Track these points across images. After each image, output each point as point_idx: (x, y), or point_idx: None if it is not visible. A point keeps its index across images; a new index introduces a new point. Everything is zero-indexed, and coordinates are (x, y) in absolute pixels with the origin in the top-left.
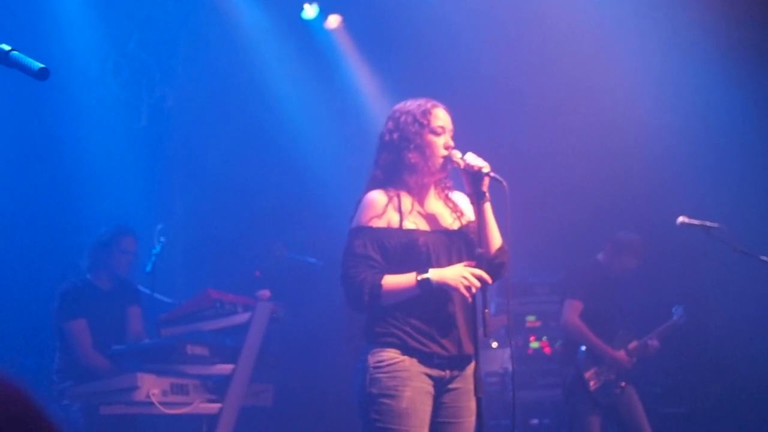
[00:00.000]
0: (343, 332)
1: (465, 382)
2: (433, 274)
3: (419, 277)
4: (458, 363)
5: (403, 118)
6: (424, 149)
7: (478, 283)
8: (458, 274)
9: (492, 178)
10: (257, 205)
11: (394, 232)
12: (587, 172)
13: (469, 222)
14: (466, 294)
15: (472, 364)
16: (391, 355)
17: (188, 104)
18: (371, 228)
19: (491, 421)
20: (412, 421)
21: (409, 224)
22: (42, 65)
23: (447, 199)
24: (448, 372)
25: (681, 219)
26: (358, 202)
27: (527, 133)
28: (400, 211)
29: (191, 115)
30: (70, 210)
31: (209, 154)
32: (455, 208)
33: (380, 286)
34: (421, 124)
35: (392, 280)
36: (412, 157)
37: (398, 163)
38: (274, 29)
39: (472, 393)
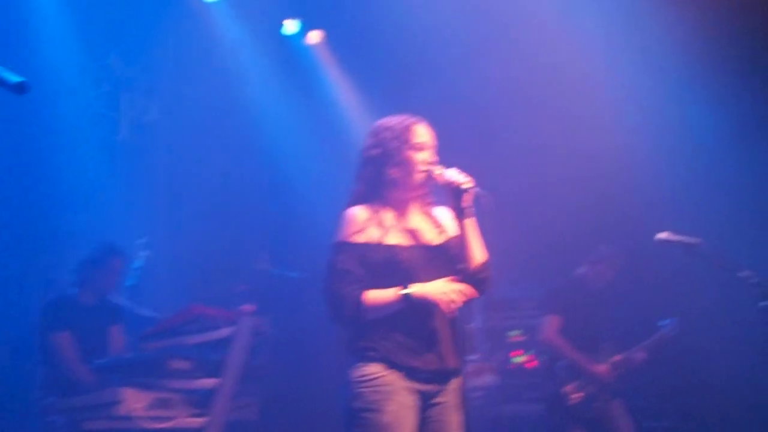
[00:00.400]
0: (328, 346)
1: (448, 396)
2: (415, 289)
3: (401, 292)
4: (442, 377)
5: (384, 134)
6: (405, 165)
7: (459, 299)
8: (440, 290)
9: (474, 194)
10: (241, 219)
11: (374, 247)
12: (573, 187)
13: (452, 237)
14: (447, 309)
15: (456, 379)
16: (374, 369)
17: (170, 118)
18: (352, 243)
19: None
20: None
21: (390, 239)
22: (21, 79)
23: (428, 215)
24: (432, 386)
25: (660, 235)
26: (339, 218)
27: (511, 149)
28: (381, 226)
29: (173, 128)
30: (50, 223)
31: (192, 167)
32: (437, 224)
33: (362, 301)
34: (402, 140)
35: (374, 295)
36: (393, 172)
37: (380, 178)
38: (255, 44)
39: (457, 407)
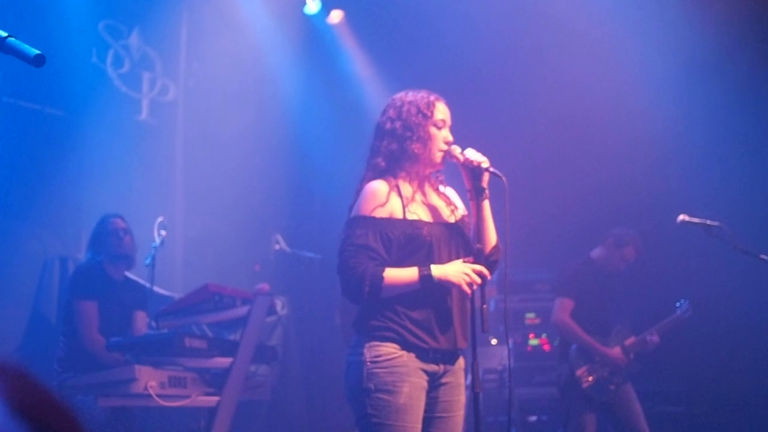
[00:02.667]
0: (340, 326)
1: (455, 376)
2: (435, 269)
3: (422, 273)
4: (451, 358)
5: (406, 108)
6: (427, 141)
7: (479, 280)
8: (460, 271)
9: (491, 174)
10: (258, 199)
11: (397, 223)
12: (588, 169)
13: (463, 216)
14: (468, 290)
15: (461, 359)
16: (389, 350)
17: (189, 98)
18: (373, 218)
19: (489, 417)
20: (409, 417)
21: (411, 214)
22: (38, 51)
23: (440, 193)
24: (441, 366)
25: (681, 217)
26: (357, 191)
27: (528, 129)
28: (402, 200)
29: (192, 108)
30: (69, 203)
31: (210, 147)
32: (449, 202)
33: (381, 278)
34: (425, 116)
35: (394, 274)
36: (416, 147)
37: (401, 152)
38: (276, 24)
39: (462, 387)
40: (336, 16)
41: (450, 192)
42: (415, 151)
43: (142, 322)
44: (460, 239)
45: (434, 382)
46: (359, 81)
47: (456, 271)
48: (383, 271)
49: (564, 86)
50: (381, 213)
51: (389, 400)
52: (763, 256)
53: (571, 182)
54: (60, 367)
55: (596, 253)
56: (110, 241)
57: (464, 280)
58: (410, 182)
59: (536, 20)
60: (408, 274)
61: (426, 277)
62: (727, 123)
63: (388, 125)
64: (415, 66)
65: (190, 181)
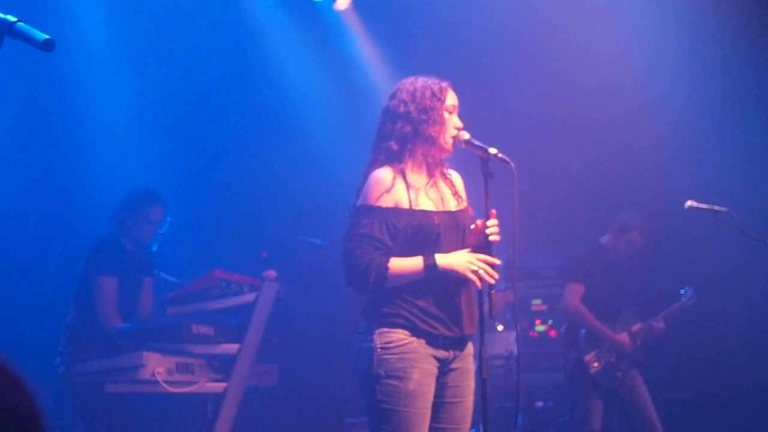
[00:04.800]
0: (347, 313)
1: (464, 361)
2: (440, 259)
3: (426, 262)
4: (460, 343)
5: (420, 92)
6: (441, 125)
7: (485, 267)
8: (465, 260)
9: (500, 160)
10: (264, 184)
11: (404, 212)
12: (595, 155)
13: (467, 207)
14: (475, 279)
15: (470, 344)
16: (399, 336)
17: (195, 83)
18: (379, 207)
19: (495, 403)
20: (419, 403)
21: (419, 204)
22: (47, 36)
23: (447, 179)
24: (451, 352)
25: (689, 203)
26: (364, 175)
27: (536, 116)
28: (408, 190)
29: (197, 94)
30: (75, 186)
31: (216, 133)
32: (454, 189)
33: (387, 268)
34: (440, 99)
35: (399, 264)
36: (432, 130)
37: (414, 134)
38: (282, 9)
39: (471, 372)
40: (343, 2)
41: (456, 178)
42: (432, 134)
43: (147, 290)
44: (466, 227)
45: (444, 368)
46: (367, 68)
47: (461, 260)
48: (388, 261)
49: (572, 71)
50: (387, 202)
51: (399, 386)
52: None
53: (578, 168)
54: (67, 338)
55: (605, 239)
56: (143, 229)
57: (469, 269)
58: (419, 167)
59: (544, 10)
60: (413, 263)
61: (431, 267)
62: (734, 109)
63: (402, 108)
64: (423, 53)
65: (196, 166)
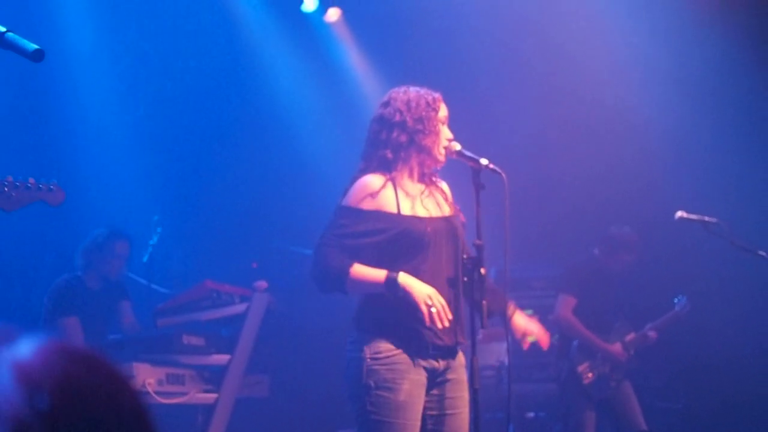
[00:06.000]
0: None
1: (457, 372)
2: (403, 278)
3: (389, 276)
4: (451, 353)
5: (414, 102)
6: (435, 136)
7: (440, 311)
8: (426, 293)
9: (491, 170)
10: (255, 195)
11: (388, 216)
12: (585, 166)
13: (457, 211)
14: (425, 314)
15: (461, 354)
16: (388, 346)
17: (186, 93)
18: (359, 209)
19: (486, 414)
20: (408, 414)
21: (411, 210)
22: (37, 47)
23: (438, 187)
24: (441, 363)
25: (679, 214)
26: (353, 180)
27: (525, 126)
28: (398, 196)
29: (189, 104)
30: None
31: (207, 143)
32: (445, 196)
33: (348, 273)
34: (434, 110)
35: (361, 271)
36: (427, 140)
37: (409, 144)
38: (273, 21)
39: (465, 383)
40: (333, 14)
41: (445, 186)
42: (427, 144)
43: (127, 311)
44: (458, 233)
45: (436, 379)
46: (356, 79)
47: (422, 290)
48: (351, 266)
49: (562, 82)
50: (369, 205)
51: (389, 397)
52: (761, 253)
53: (569, 179)
54: None
55: (597, 250)
56: (111, 264)
57: (425, 302)
58: (411, 176)
59: (535, 23)
60: (375, 274)
61: (392, 281)
62: (725, 119)
63: (398, 117)
64: (413, 64)
65: (188, 177)
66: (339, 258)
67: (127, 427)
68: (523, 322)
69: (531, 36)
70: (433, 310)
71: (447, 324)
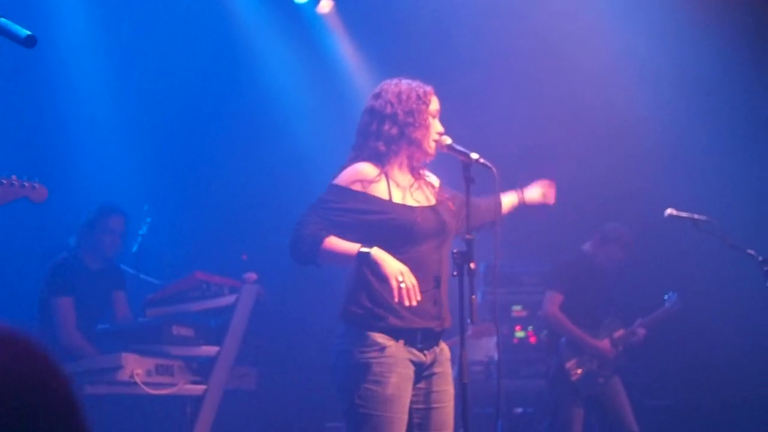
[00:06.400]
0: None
1: (443, 366)
2: (375, 251)
3: (361, 249)
4: (437, 342)
5: (405, 94)
6: (426, 129)
7: (410, 288)
8: (398, 268)
9: (482, 165)
10: (246, 187)
11: (378, 201)
12: (578, 163)
13: (445, 200)
14: (395, 288)
15: (447, 349)
16: (377, 339)
17: (178, 85)
18: (349, 190)
19: (475, 409)
20: (396, 408)
21: (402, 200)
22: (29, 32)
23: (425, 181)
24: (428, 356)
25: (669, 211)
26: (344, 166)
27: (517, 123)
28: (390, 185)
29: (181, 95)
30: (57, 188)
31: (198, 135)
32: (433, 190)
33: (321, 242)
34: (425, 103)
35: (334, 242)
36: (418, 134)
37: (400, 137)
38: (265, 12)
39: (450, 377)
40: (326, 5)
41: (433, 179)
42: (417, 137)
43: (121, 303)
44: (447, 223)
45: (422, 373)
46: (350, 70)
47: (395, 265)
48: (326, 236)
49: (554, 77)
50: (359, 188)
51: (377, 391)
52: (750, 251)
53: (559, 174)
54: None
55: (588, 247)
56: (104, 241)
57: (396, 277)
58: (402, 169)
59: (529, 18)
60: (348, 246)
61: (363, 254)
62: (720, 119)
63: (389, 109)
64: (406, 57)
65: (179, 168)
66: (314, 228)
67: (56, 414)
68: (533, 192)
69: (525, 32)
70: (403, 285)
71: (414, 303)
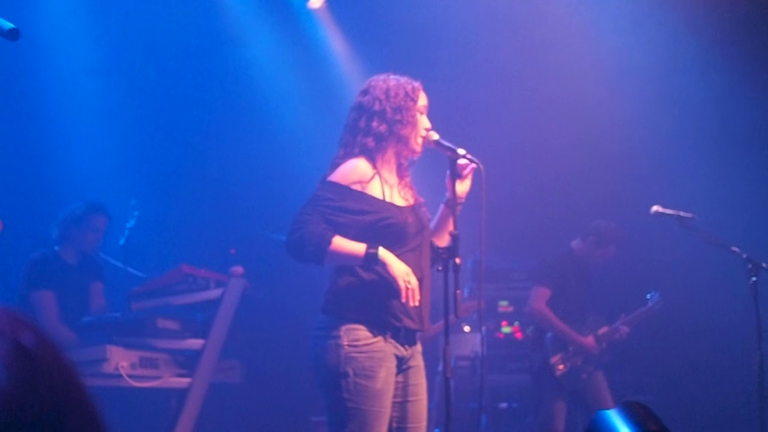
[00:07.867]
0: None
1: (417, 359)
2: (383, 252)
3: (368, 249)
4: (414, 339)
5: (393, 91)
6: (413, 126)
7: (413, 291)
8: (404, 271)
9: (468, 160)
10: (234, 181)
11: (375, 201)
12: (565, 160)
13: (420, 204)
14: (402, 290)
15: (419, 342)
16: (366, 334)
17: (167, 79)
18: (348, 188)
19: (460, 403)
20: (383, 402)
21: (393, 200)
22: (13, 25)
23: (407, 180)
24: (408, 350)
25: (655, 208)
26: (334, 165)
27: (506, 121)
28: (383, 185)
29: (169, 89)
30: (43, 180)
31: (186, 129)
32: (411, 189)
33: (329, 242)
34: (413, 100)
35: (341, 242)
36: (405, 131)
37: (389, 134)
38: (256, 6)
39: (423, 370)
40: (317, 0)
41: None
42: (405, 134)
43: (98, 294)
44: (424, 224)
45: (401, 366)
46: (340, 65)
47: (401, 267)
48: (333, 236)
49: (541, 72)
50: (356, 186)
51: (367, 385)
52: (734, 248)
53: (546, 171)
54: None
55: (576, 244)
56: (88, 237)
57: (403, 278)
58: (389, 166)
59: (516, 15)
60: (355, 247)
61: (371, 255)
62: (702, 115)
63: (377, 106)
64: (395, 52)
65: (167, 160)
66: (321, 227)
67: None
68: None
69: (513, 30)
70: (409, 286)
71: (417, 304)
